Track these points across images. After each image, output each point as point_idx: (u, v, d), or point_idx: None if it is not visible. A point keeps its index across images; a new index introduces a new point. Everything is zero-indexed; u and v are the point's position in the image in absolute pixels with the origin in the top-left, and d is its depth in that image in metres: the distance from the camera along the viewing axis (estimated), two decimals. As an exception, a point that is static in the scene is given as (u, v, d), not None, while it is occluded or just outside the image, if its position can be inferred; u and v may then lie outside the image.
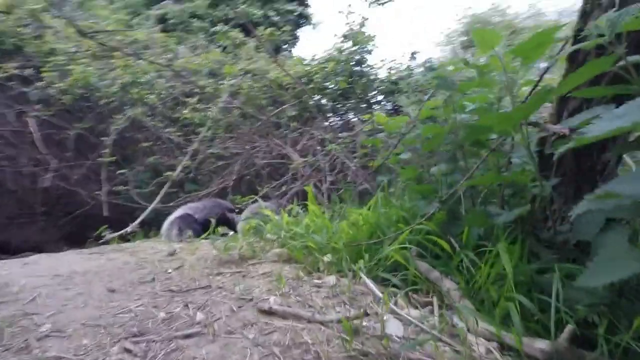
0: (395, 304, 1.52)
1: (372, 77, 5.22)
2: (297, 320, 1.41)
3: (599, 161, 1.49)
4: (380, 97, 5.44)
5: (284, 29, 6.74)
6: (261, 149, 4.60)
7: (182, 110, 4.86)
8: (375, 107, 5.39)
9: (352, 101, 5.30)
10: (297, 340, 1.27)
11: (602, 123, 0.80)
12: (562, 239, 1.49)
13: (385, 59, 5.40)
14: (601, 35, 1.21)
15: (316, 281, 1.82)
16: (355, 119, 5.17)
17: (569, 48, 1.43)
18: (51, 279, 1.97)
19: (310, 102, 4.98)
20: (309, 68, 5.26)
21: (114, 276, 2.02)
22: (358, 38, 5.11)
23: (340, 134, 4.38)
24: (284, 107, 4.89)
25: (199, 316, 1.48)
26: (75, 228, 4.87)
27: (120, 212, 4.42)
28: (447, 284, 1.56)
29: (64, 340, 1.32)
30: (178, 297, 1.69)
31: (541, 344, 1.13)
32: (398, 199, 2.33)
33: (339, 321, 1.33)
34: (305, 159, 4.13)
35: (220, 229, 2.65)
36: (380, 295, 1.56)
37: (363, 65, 5.19)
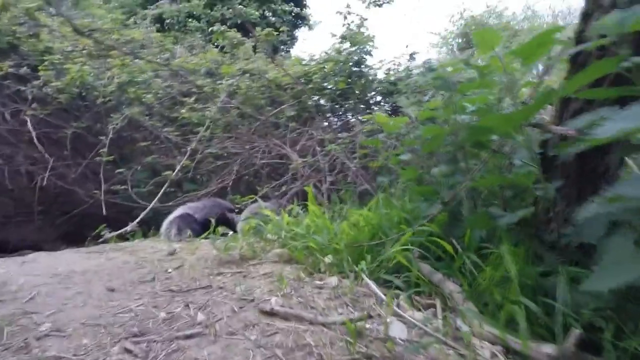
0: (398, 306, 1.52)
1: (370, 78, 5.21)
2: (300, 322, 1.40)
3: (602, 163, 1.49)
4: (378, 98, 5.44)
5: (282, 29, 6.73)
6: (260, 149, 4.58)
7: (179, 109, 4.83)
8: (374, 107, 5.39)
9: (351, 101, 5.30)
10: (299, 343, 1.26)
11: (611, 124, 0.80)
12: (565, 241, 1.50)
13: (383, 59, 5.40)
14: (603, 36, 1.21)
15: (318, 282, 1.81)
16: (354, 120, 5.17)
17: (571, 49, 1.44)
18: (50, 277, 1.95)
19: (309, 103, 4.97)
20: (307, 68, 5.25)
21: (114, 275, 2.00)
22: (357, 38, 5.10)
23: (339, 135, 4.37)
24: (282, 107, 4.88)
25: (200, 316, 1.47)
26: (73, 227, 4.83)
27: (118, 211, 4.38)
28: (450, 286, 1.56)
29: (64, 340, 1.31)
30: (178, 297, 1.68)
31: (548, 349, 1.12)
32: (399, 200, 2.33)
33: (342, 323, 1.32)
34: (305, 159, 4.12)
35: (220, 229, 2.63)
36: (383, 297, 1.56)
37: (362, 66, 5.19)
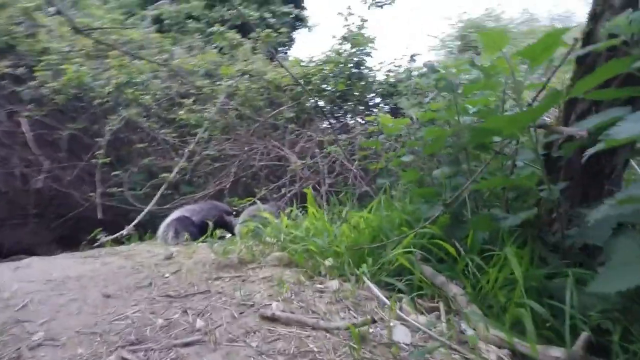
0: (401, 309, 1.49)
1: (370, 80, 5.20)
2: (301, 327, 1.37)
3: (607, 165, 1.47)
4: (378, 100, 5.42)
5: (281, 30, 6.70)
6: (258, 151, 4.55)
7: (177, 111, 4.80)
8: (374, 109, 5.38)
9: (350, 103, 5.28)
10: (302, 349, 1.23)
11: (627, 125, 0.78)
12: (569, 242, 1.47)
13: (383, 61, 5.40)
14: (613, 37, 1.19)
15: (318, 286, 1.77)
16: (353, 121, 5.15)
17: (579, 50, 1.42)
18: (44, 283, 1.90)
19: (307, 104, 4.95)
20: (306, 70, 5.24)
21: (109, 281, 1.95)
22: (358, 40, 5.09)
23: (338, 136, 4.35)
24: (281, 108, 4.85)
25: (199, 323, 1.43)
26: (68, 230, 4.78)
27: (114, 214, 4.34)
28: (454, 289, 1.53)
29: (58, 350, 1.27)
30: (176, 303, 1.64)
31: (556, 352, 1.10)
32: (400, 202, 2.30)
33: (346, 328, 1.29)
34: (304, 161, 4.09)
35: (218, 232, 2.59)
36: (386, 300, 1.53)
37: (362, 67, 5.17)
